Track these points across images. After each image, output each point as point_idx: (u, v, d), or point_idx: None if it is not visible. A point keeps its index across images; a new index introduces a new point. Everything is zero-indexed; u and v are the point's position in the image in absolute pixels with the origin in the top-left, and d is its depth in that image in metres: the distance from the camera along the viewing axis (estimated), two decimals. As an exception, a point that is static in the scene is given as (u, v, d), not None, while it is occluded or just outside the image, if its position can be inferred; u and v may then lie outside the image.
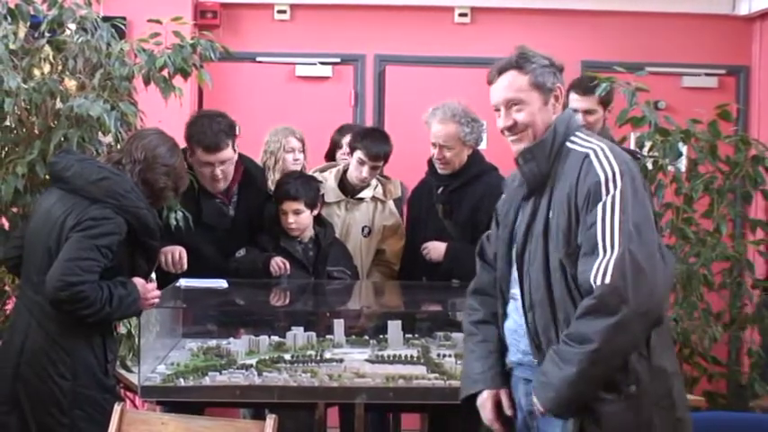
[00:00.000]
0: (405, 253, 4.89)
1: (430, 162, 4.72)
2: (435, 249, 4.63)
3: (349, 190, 4.94)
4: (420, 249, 4.68)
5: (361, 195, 4.92)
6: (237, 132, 4.50)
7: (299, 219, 4.57)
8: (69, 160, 3.47)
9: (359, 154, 4.81)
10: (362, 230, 4.89)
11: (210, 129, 4.31)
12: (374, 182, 4.95)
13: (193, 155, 4.38)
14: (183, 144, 4.10)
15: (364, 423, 3.97)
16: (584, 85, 4.76)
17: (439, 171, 4.69)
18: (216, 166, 4.36)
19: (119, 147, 3.80)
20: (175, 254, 4.26)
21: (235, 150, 4.43)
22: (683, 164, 4.32)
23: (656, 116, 4.23)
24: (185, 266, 4.28)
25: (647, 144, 4.26)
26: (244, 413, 4.64)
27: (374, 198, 4.93)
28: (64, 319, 3.32)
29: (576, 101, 4.74)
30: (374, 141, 4.82)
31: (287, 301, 4.55)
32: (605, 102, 4.72)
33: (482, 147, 6.21)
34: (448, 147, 4.60)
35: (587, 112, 4.72)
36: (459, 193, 4.65)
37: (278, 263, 4.48)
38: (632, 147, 4.66)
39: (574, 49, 6.29)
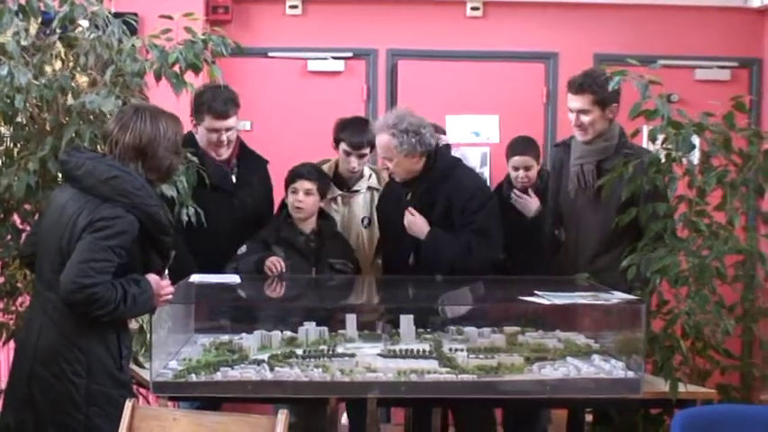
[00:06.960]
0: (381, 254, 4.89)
1: None
2: (417, 225, 4.48)
3: (344, 183, 4.94)
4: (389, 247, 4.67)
5: (356, 188, 4.94)
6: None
7: (308, 200, 4.58)
8: (80, 158, 3.44)
9: (343, 146, 4.84)
10: (362, 222, 4.91)
11: (220, 97, 4.63)
12: (367, 171, 4.96)
13: (201, 123, 4.67)
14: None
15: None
16: (576, 84, 4.56)
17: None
18: (222, 133, 4.66)
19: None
20: (277, 265, 4.51)
21: (237, 120, 4.77)
22: (695, 156, 4.30)
23: (668, 109, 4.20)
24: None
25: (660, 137, 4.23)
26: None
27: (370, 188, 4.95)
28: (77, 316, 3.32)
29: (570, 100, 4.60)
30: (355, 131, 4.84)
31: (299, 296, 4.56)
32: (603, 101, 4.51)
33: (494, 141, 6.24)
34: (387, 158, 4.50)
35: (581, 111, 4.54)
36: (430, 195, 4.52)
37: (273, 262, 4.48)
38: (645, 140, 4.64)
39: (586, 42, 6.29)
